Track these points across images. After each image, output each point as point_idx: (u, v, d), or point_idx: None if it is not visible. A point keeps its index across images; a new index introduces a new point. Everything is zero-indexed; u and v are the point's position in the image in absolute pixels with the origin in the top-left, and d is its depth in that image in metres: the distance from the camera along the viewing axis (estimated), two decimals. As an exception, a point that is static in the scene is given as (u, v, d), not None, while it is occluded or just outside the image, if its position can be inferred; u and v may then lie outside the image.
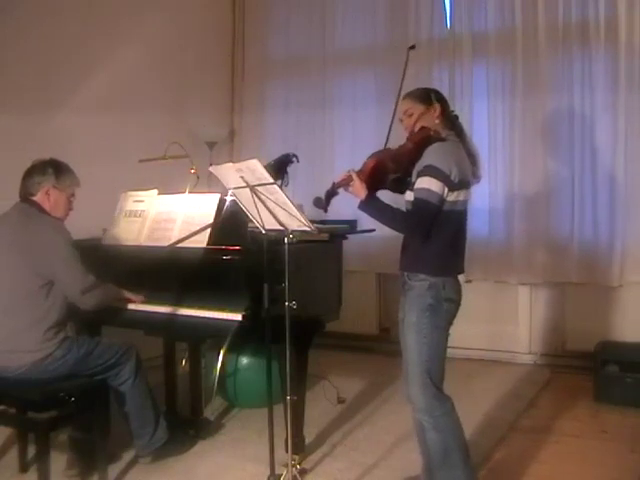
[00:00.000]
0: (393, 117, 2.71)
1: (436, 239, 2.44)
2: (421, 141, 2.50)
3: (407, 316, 2.51)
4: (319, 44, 5.46)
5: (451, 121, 2.62)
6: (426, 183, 2.38)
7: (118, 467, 3.09)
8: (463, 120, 2.71)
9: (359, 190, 2.46)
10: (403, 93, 2.67)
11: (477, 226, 4.71)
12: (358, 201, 2.51)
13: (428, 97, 2.59)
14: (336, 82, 5.41)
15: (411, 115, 2.59)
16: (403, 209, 2.52)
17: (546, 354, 4.83)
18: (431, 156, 2.43)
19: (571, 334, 4.72)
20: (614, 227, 4.46)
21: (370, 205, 2.49)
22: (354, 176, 2.47)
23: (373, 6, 5.26)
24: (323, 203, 2.51)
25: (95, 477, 2.91)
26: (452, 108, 2.67)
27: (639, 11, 4.37)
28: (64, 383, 2.79)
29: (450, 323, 2.53)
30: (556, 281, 4.71)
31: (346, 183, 2.49)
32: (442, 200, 2.40)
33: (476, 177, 2.62)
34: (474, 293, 4.40)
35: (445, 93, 4.74)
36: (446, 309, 2.47)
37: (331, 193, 2.51)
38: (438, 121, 2.57)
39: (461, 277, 2.58)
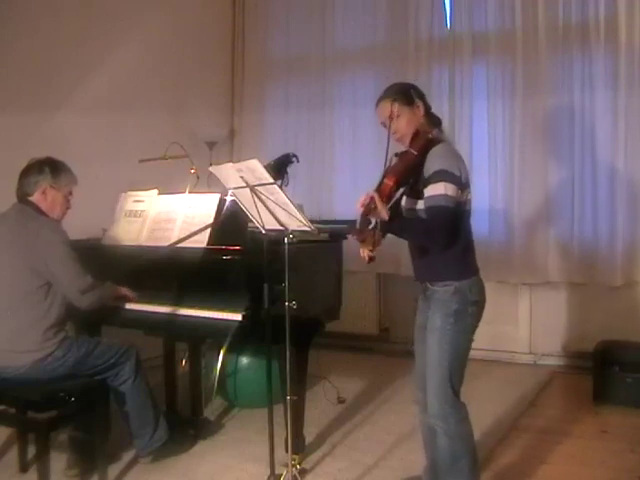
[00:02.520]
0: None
1: (456, 242, 2.38)
2: (423, 147, 2.39)
3: (430, 321, 2.45)
4: (319, 44, 5.46)
5: (430, 113, 2.51)
6: (442, 189, 2.29)
7: (118, 467, 3.09)
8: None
9: (382, 211, 2.29)
10: None
11: (477, 226, 4.66)
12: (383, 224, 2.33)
13: (410, 95, 2.45)
14: (336, 82, 5.41)
15: (398, 117, 2.43)
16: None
17: (546, 354, 4.83)
18: (438, 160, 2.33)
19: (571, 334, 4.72)
20: (614, 227, 4.46)
21: (397, 224, 2.37)
22: (376, 197, 2.29)
23: (373, 6, 5.26)
24: (358, 231, 2.33)
25: (95, 477, 2.91)
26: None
27: (639, 11, 4.38)
28: (64, 383, 2.79)
29: (475, 326, 2.46)
30: (556, 281, 4.71)
31: (370, 206, 2.29)
32: (459, 203, 2.35)
33: None
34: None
35: (445, 93, 4.84)
36: (471, 313, 2.42)
37: (365, 222, 2.32)
38: (423, 120, 2.46)
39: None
